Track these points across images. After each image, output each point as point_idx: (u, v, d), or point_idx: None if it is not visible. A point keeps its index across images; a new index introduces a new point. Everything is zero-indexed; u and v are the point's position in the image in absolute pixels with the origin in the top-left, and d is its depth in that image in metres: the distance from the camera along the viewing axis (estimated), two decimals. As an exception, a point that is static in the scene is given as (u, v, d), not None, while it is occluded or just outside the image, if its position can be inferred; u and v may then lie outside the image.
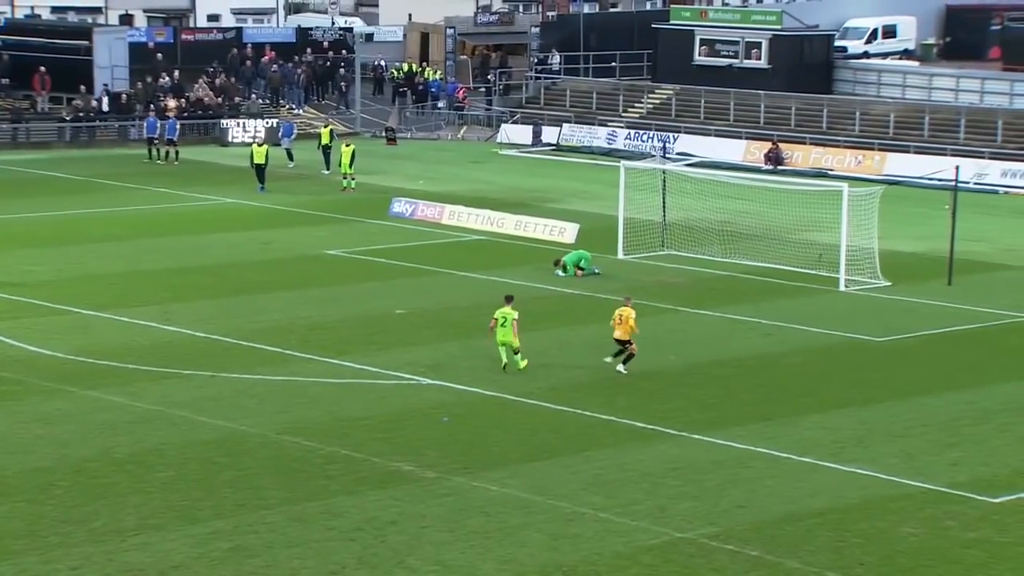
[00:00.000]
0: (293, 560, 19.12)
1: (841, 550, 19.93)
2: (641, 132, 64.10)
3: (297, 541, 19.77)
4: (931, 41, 73.76)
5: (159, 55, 67.01)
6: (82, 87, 62.89)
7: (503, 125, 67.95)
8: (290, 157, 57.21)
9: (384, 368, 28.45)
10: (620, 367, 27.96)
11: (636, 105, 67.66)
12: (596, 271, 37.89)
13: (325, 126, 57.49)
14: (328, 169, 53.68)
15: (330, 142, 54.77)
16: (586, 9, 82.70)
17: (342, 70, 69.56)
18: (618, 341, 28.03)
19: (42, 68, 62.59)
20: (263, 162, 50.98)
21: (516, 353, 28.12)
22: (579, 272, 37.66)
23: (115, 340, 30.29)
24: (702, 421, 25.59)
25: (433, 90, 71.81)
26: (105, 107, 63.12)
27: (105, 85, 63.03)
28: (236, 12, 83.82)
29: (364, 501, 21.27)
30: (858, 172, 56.76)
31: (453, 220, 45.33)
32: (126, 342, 30.15)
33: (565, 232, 43.20)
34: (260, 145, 52.01)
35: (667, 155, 55.72)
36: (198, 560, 19.03)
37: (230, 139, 63.75)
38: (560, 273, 37.51)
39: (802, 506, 21.52)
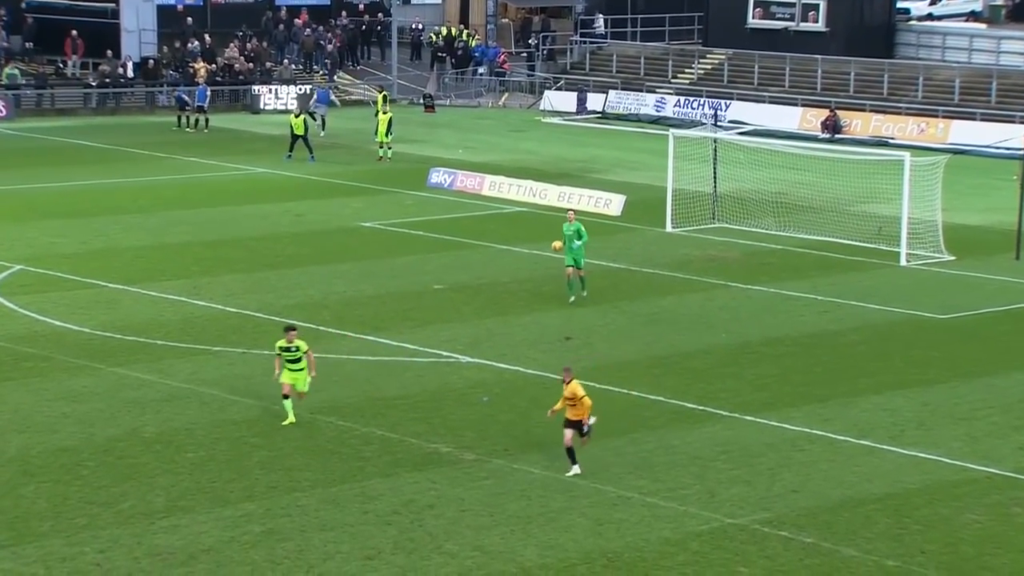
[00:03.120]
0: (327, 544, 19.22)
1: (901, 537, 19.85)
2: (691, 99, 63.82)
3: (331, 525, 19.87)
4: (999, 2, 72.95)
5: (188, 19, 67.23)
6: (109, 52, 63.23)
7: (546, 92, 67.80)
8: (322, 125, 57.36)
9: (421, 345, 28.52)
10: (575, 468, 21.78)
11: (686, 71, 67.35)
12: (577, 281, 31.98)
13: (380, 91, 57.36)
14: (390, 135, 53.35)
15: (386, 109, 54.78)
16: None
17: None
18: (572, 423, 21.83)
19: (74, 32, 62.99)
20: (302, 132, 51.09)
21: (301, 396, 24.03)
22: (569, 270, 31.67)
23: (143, 315, 30.50)
24: (754, 402, 25.52)
25: (474, 55, 71.72)
26: (131, 72, 63.47)
27: (128, 56, 63.34)
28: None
29: (401, 484, 21.35)
30: (921, 141, 56.32)
31: (494, 191, 45.33)
32: (154, 317, 30.35)
33: (611, 204, 43.14)
34: (297, 116, 52.09)
35: (719, 123, 55.51)
36: (229, 544, 19.17)
37: (262, 106, 63.96)
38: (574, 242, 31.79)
39: (860, 491, 21.45)
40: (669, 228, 40.51)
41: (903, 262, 36.92)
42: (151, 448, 22.73)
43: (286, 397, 23.72)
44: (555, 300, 31.65)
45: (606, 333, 29.91)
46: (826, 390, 26.37)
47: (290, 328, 24.25)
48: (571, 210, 34.03)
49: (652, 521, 20.17)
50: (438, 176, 47.01)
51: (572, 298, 31.61)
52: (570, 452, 21.59)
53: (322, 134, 56.70)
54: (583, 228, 31.90)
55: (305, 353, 23.82)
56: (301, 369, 23.77)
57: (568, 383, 21.61)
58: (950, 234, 38.29)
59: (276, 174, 49.09)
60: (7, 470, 21.70)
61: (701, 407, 25.16)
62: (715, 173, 42.09)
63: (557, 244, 31.93)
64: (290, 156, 51.16)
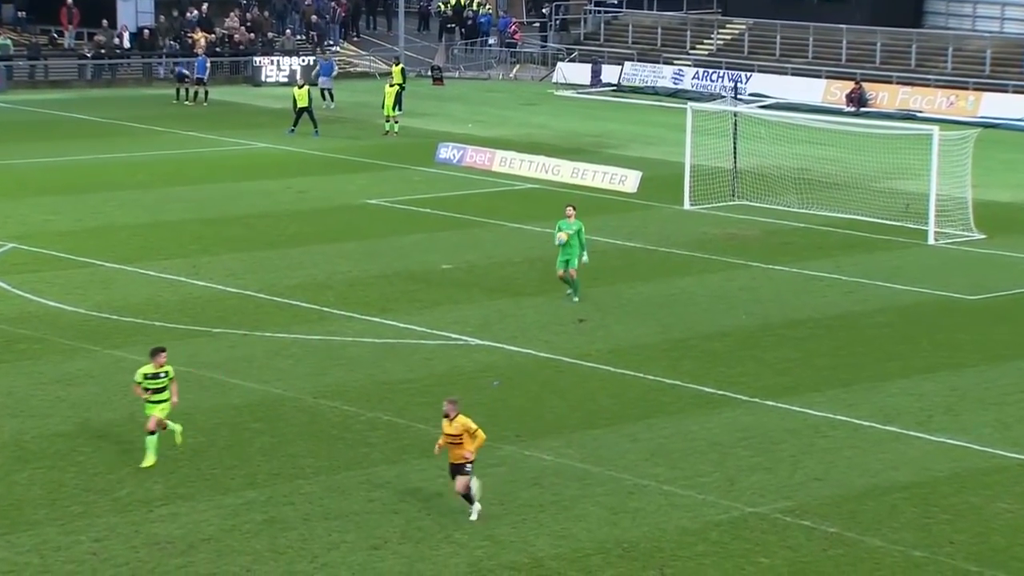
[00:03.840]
0: (332, 534, 19.24)
1: (928, 527, 19.83)
2: (710, 71, 63.70)
3: (336, 513, 19.88)
4: (1032, -31, 72.61)
5: (186, -14, 67.26)
6: (104, 21, 63.22)
7: (559, 64, 67.73)
8: (330, 97, 57.42)
9: (429, 327, 28.52)
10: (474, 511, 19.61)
11: (705, 41, 67.20)
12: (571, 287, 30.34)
13: (397, 63, 57.40)
14: (400, 109, 53.34)
15: (403, 81, 54.68)
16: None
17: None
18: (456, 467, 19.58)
19: (68, 0, 62.98)
20: (307, 104, 51.10)
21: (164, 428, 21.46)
22: (569, 271, 30.22)
23: (140, 295, 30.54)
24: (776, 386, 25.50)
25: (483, 24, 71.59)
26: (127, 43, 63.48)
27: (124, 26, 63.36)
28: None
29: (408, 471, 21.37)
30: (950, 114, 56.21)
31: (504, 167, 45.31)
32: (152, 298, 30.39)
33: (626, 180, 43.12)
34: (301, 87, 52.11)
35: (739, 96, 55.36)
36: (230, 532, 19.21)
37: (263, 78, 63.98)
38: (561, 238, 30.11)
39: (885, 479, 21.43)
40: (687, 206, 40.46)
41: (931, 241, 36.84)
42: (149, 433, 22.74)
43: (152, 433, 21.03)
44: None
45: (621, 315, 29.89)
46: (850, 374, 26.34)
47: (159, 350, 21.32)
48: (570, 205, 30.85)
49: (669, 510, 20.16)
50: (447, 151, 46.98)
51: (576, 297, 30.17)
52: (467, 496, 19.35)
53: (333, 106, 56.75)
54: (583, 230, 30.00)
55: (172, 380, 21.19)
56: (167, 400, 21.15)
57: (454, 417, 19.21)
58: (980, 211, 38.20)
59: (278, 149, 49.09)
60: (0, 456, 21.74)
61: (720, 392, 25.14)
62: (735, 148, 42.01)
63: (563, 236, 29.86)
64: (293, 130, 51.18)
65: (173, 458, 21.71)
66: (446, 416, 19.29)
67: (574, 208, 30.71)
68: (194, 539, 18.97)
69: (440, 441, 19.57)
